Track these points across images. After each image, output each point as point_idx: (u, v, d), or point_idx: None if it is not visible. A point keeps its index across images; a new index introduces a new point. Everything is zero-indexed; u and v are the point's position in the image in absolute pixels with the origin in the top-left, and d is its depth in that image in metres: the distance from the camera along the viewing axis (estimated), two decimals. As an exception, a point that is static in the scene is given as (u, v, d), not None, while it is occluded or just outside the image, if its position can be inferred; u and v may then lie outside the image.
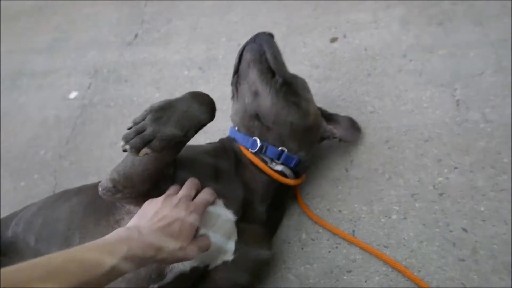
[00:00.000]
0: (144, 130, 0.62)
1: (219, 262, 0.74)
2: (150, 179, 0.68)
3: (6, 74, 1.64)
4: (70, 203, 0.79)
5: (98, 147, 1.22)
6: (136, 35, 1.54)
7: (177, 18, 1.53)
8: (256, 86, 0.82)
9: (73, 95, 1.42)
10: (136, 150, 0.61)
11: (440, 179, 0.87)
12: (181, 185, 0.70)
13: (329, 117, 0.95)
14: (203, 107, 0.68)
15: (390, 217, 0.85)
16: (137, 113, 1.25)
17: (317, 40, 1.24)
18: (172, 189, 0.69)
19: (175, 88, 1.29)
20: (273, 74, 0.82)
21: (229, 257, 0.74)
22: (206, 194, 0.69)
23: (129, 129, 0.63)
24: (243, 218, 0.77)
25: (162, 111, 0.64)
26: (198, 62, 1.34)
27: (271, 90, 0.82)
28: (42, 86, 1.51)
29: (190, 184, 0.69)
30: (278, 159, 0.81)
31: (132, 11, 1.65)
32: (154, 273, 0.69)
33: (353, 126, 0.97)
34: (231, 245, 0.74)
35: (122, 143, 0.62)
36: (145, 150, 0.61)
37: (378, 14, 1.23)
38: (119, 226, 0.72)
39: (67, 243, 0.73)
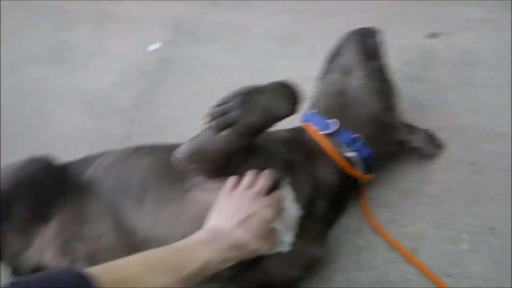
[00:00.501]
0: (230, 112, 0.63)
1: (274, 251, 0.75)
2: (222, 158, 0.69)
3: (94, 15, 1.70)
4: (145, 161, 0.83)
5: (172, 104, 1.26)
6: (222, -5, 1.51)
7: (266, -18, 1.47)
8: (350, 64, 0.82)
9: (153, 47, 1.45)
10: (219, 129, 0.63)
11: (526, 218, 0.79)
12: (252, 171, 0.71)
13: (407, 127, 0.90)
14: (288, 100, 0.67)
15: (459, 246, 0.79)
16: (213, 78, 1.27)
17: (414, 33, 1.13)
18: (247, 179, 0.69)
19: (252, 59, 1.26)
20: (371, 58, 0.82)
21: (285, 248, 0.74)
22: (283, 190, 0.70)
23: (215, 107, 0.64)
24: (305, 214, 0.76)
25: (250, 96, 0.64)
26: (280, 35, 1.29)
27: (365, 72, 0.81)
28: (127, 32, 1.56)
29: (266, 177, 0.70)
30: (351, 145, 0.78)
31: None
32: None
33: (433, 141, 0.91)
34: (289, 238, 0.75)
35: (206, 119, 0.64)
36: (226, 131, 0.63)
37: (492, 13, 1.08)
38: (188, 196, 0.75)
39: (140, 199, 0.78)
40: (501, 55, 1.01)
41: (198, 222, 0.69)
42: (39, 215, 0.87)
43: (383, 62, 0.84)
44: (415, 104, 0.99)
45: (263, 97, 0.64)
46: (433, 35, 1.11)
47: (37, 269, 0.88)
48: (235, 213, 0.64)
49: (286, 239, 0.74)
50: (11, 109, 1.46)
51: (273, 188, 0.70)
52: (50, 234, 0.87)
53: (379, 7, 1.22)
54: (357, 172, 0.80)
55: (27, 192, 0.84)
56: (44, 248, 0.86)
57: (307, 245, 0.76)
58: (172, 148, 0.86)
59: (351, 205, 0.90)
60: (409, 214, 0.86)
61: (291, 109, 0.67)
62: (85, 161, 0.95)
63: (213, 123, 0.63)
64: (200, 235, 0.61)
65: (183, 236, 0.72)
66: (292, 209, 0.73)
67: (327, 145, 0.78)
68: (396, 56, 1.09)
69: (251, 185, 0.69)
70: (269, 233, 0.67)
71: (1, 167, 0.89)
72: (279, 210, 0.69)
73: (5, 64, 1.63)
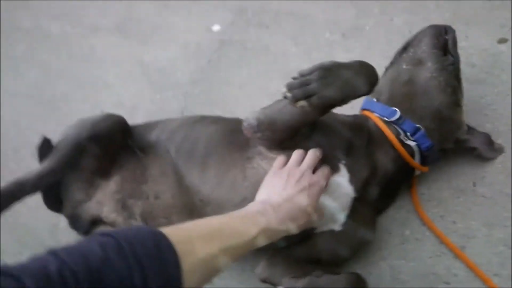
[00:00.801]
0: (308, 84, 0.66)
1: (326, 229, 0.78)
2: (290, 129, 0.73)
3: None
4: (209, 129, 0.88)
5: (228, 84, 1.30)
6: (287, -17, 1.53)
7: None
8: (423, 56, 0.84)
9: (216, 28, 1.50)
10: (295, 100, 0.66)
11: None
12: (314, 147, 0.74)
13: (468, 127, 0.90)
14: (366, 79, 0.70)
15: (510, 248, 0.80)
16: (271, 63, 1.31)
17: (482, 36, 1.11)
18: (294, 159, 0.73)
19: (312, 48, 1.28)
20: (444, 54, 0.84)
21: (337, 227, 0.77)
22: (325, 170, 0.73)
23: (294, 79, 0.67)
24: (358, 197, 0.79)
25: (330, 71, 0.67)
26: (343, 27, 1.30)
27: (437, 65, 0.82)
28: (190, 11, 1.61)
29: (312, 156, 0.73)
30: (413, 135, 0.80)
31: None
32: None
33: (491, 144, 0.90)
34: (341, 217, 0.77)
35: (284, 89, 0.68)
36: (302, 102, 0.67)
37: None
38: (250, 164, 0.79)
39: (203, 162, 0.82)
40: None
41: (257, 189, 0.74)
42: (104, 170, 0.93)
43: (456, 59, 0.85)
44: (477, 107, 0.99)
45: (343, 73, 0.67)
46: (502, 40, 1.09)
47: (94, 221, 0.94)
48: (283, 190, 0.67)
49: (339, 218, 0.77)
50: (75, 75, 1.56)
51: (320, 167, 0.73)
52: (111, 189, 0.93)
53: (446, 8, 1.21)
54: (415, 162, 0.81)
55: (100, 146, 0.90)
56: (104, 202, 0.93)
57: (358, 226, 0.79)
58: (233, 121, 0.91)
59: (401, 197, 0.91)
60: (460, 212, 0.86)
61: (369, 88, 0.70)
62: (150, 125, 1.01)
63: (290, 93, 0.66)
64: (254, 206, 0.65)
65: (242, 200, 0.77)
66: (346, 187, 0.76)
67: (389, 132, 0.80)
68: (461, 58, 1.09)
69: (298, 163, 0.72)
70: (318, 208, 0.70)
71: (64, 127, 0.94)
72: (328, 188, 0.71)
73: (73, 33, 1.73)
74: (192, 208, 0.84)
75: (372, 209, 0.83)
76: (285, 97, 0.68)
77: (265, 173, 0.75)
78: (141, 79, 1.45)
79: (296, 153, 0.74)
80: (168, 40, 1.54)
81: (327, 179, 0.73)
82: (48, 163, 0.88)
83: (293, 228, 0.65)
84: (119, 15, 1.75)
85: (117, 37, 1.65)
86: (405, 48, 0.91)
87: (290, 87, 0.67)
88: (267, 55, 1.33)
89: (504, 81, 1.02)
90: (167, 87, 1.38)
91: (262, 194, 0.70)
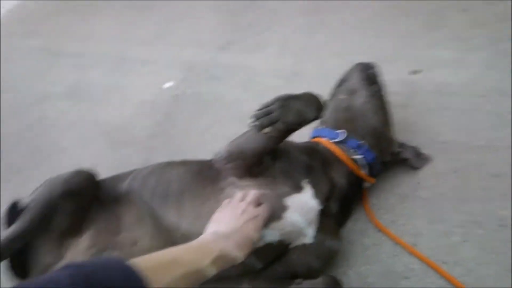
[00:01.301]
0: (271, 113, 0.78)
1: (299, 243, 0.86)
2: (258, 155, 0.84)
3: (111, 58, 1.88)
4: (179, 170, 0.95)
5: (186, 134, 1.39)
6: (230, 41, 1.72)
7: (269, 30, 1.70)
8: (355, 86, 1.01)
9: (168, 85, 1.62)
10: (262, 127, 0.78)
11: (503, 212, 0.93)
12: (279, 173, 0.84)
13: (399, 142, 1.07)
14: (316, 105, 0.84)
15: (451, 238, 0.93)
16: (225, 110, 1.43)
17: (399, 70, 1.34)
18: (238, 196, 0.81)
19: (261, 93, 1.43)
20: (371, 84, 1.01)
21: (309, 240, 0.85)
22: (267, 205, 0.80)
23: (258, 110, 0.78)
24: (322, 212, 0.88)
25: (287, 101, 0.81)
26: (285, 73, 1.48)
27: (368, 93, 1.00)
28: (142, 73, 1.73)
29: (254, 194, 0.80)
30: (358, 150, 0.94)
31: (228, 18, 1.85)
32: None
33: (420, 155, 1.07)
34: (311, 231, 0.86)
35: (251, 119, 0.79)
36: (268, 129, 0.78)
37: (462, 55, 1.31)
38: (223, 194, 0.86)
39: (178, 200, 0.88)
40: (469, 86, 1.21)
41: None
42: (75, 227, 0.93)
43: (382, 87, 1.04)
44: (404, 126, 1.17)
45: (297, 102, 0.81)
46: (415, 72, 1.32)
47: None
48: (230, 221, 0.74)
49: (309, 232, 0.86)
50: (31, 141, 1.56)
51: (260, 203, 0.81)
52: (83, 246, 0.93)
53: (370, 49, 1.44)
54: (364, 173, 0.94)
55: (72, 202, 0.91)
56: (77, 260, 0.93)
57: (326, 238, 0.88)
58: (200, 161, 0.99)
59: (356, 211, 1.03)
60: (406, 215, 0.99)
61: (318, 112, 0.83)
62: (119, 177, 1.05)
63: (257, 122, 0.78)
64: (207, 236, 0.70)
65: None
66: (310, 202, 0.85)
67: (338, 150, 0.93)
68: (386, 88, 1.30)
69: (242, 200, 0.79)
70: (249, 243, 0.73)
71: (16, 197, 0.93)
72: (266, 219, 0.79)
73: (25, 102, 1.76)
74: (175, 244, 0.88)
75: (335, 222, 0.93)
76: (253, 126, 0.79)
77: None
78: (98, 139, 1.49)
79: (240, 193, 0.82)
80: (122, 100, 1.62)
81: (269, 212, 0.80)
82: (19, 224, 0.87)
83: (241, 256, 0.69)
84: (69, 82, 1.82)
85: (68, 102, 1.71)
86: (340, 84, 1.08)
87: (256, 117, 0.79)
88: (221, 103, 1.46)
89: (422, 102, 1.22)
90: (127, 143, 1.43)
91: (212, 227, 0.75)
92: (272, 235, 0.83)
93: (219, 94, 1.50)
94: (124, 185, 1.00)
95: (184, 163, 0.99)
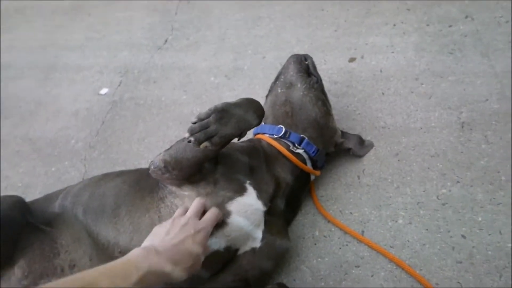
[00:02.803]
0: (207, 127, 0.73)
1: (247, 248, 0.83)
2: (196, 165, 0.79)
3: (40, 67, 1.74)
4: (115, 182, 0.89)
5: (126, 141, 1.32)
6: (166, 41, 1.65)
7: (206, 28, 1.64)
8: (292, 79, 0.98)
9: (104, 91, 1.52)
10: (199, 143, 0.72)
11: (444, 191, 0.96)
12: (221, 177, 0.80)
13: (341, 132, 1.07)
14: (256, 113, 0.79)
15: (396, 221, 0.94)
16: (165, 113, 1.36)
17: (337, 59, 1.34)
18: (179, 211, 0.75)
19: (201, 93, 1.39)
20: (308, 75, 0.99)
21: (257, 244, 0.83)
22: (213, 213, 0.75)
23: (193, 123, 0.73)
24: (268, 211, 0.86)
25: (224, 112, 0.75)
26: (225, 70, 1.44)
27: (305, 85, 0.97)
28: (75, 80, 1.61)
29: (197, 204, 0.76)
30: (300, 144, 0.92)
31: (163, 18, 1.77)
32: None
33: (362, 143, 1.08)
34: (259, 234, 0.83)
35: (187, 134, 0.74)
36: (205, 143, 0.73)
37: (394, 40, 1.34)
38: (163, 203, 0.81)
39: (115, 215, 0.82)
40: (405, 69, 1.24)
41: None
42: (5, 258, 0.84)
43: (319, 78, 1.02)
44: (346, 114, 1.17)
45: (235, 111, 0.75)
46: (352, 60, 1.33)
47: None
48: (167, 234, 0.68)
49: (257, 235, 0.83)
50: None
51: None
52: (16, 277, 0.84)
53: (308, 39, 1.44)
54: (307, 167, 0.93)
55: (0, 232, 0.81)
56: None
57: (275, 238, 0.85)
58: (137, 171, 0.93)
59: (304, 204, 1.01)
60: (353, 203, 0.99)
61: (259, 120, 0.79)
62: (49, 197, 0.96)
63: (193, 137, 0.72)
64: (136, 251, 0.65)
65: None
66: (255, 204, 0.83)
67: (279, 146, 0.90)
68: (324, 78, 1.30)
69: (183, 214, 0.74)
70: (188, 258, 0.68)
71: None
72: (210, 232, 0.74)
73: None
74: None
75: (283, 220, 0.91)
76: (189, 141, 0.73)
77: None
78: (30, 156, 1.37)
79: (180, 209, 0.76)
80: (55, 111, 1.50)
81: (216, 220, 0.75)
82: None
83: (178, 271, 0.64)
84: (-6, 98, 1.66)
85: (-6, 120, 1.56)
86: (277, 78, 1.05)
87: (191, 132, 0.73)
88: (160, 106, 1.39)
89: (361, 90, 1.23)
90: (62, 157, 1.33)
91: (147, 241, 0.70)
92: (218, 242, 0.79)
93: (158, 97, 1.43)
94: (56, 205, 0.92)
95: (120, 174, 0.93)
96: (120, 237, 0.81)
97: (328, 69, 1.32)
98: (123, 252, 0.80)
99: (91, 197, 0.88)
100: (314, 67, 1.04)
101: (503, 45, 1.22)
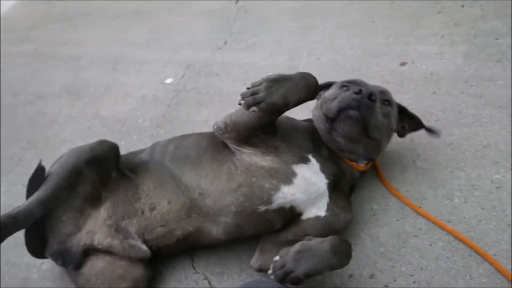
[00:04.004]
0: (257, 93, 0.81)
1: (312, 215, 0.90)
2: (252, 129, 0.88)
3: (108, 59, 1.91)
4: (195, 137, 1.00)
5: (191, 122, 1.43)
6: (225, 42, 1.80)
7: (263, 33, 1.79)
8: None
9: (168, 81, 1.66)
10: (248, 106, 0.81)
11: (497, 176, 1.03)
12: (282, 144, 0.90)
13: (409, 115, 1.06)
14: (306, 88, 0.84)
15: (452, 200, 1.00)
16: (226, 101, 1.48)
17: (388, 63, 1.45)
18: None
19: (260, 85, 1.51)
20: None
21: (322, 213, 0.90)
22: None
23: (247, 89, 0.82)
24: (334, 187, 0.94)
25: (275, 82, 0.82)
26: (281, 69, 1.56)
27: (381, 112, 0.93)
28: (140, 71, 1.76)
29: None
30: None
31: (222, 23, 1.94)
32: (265, 195, 0.87)
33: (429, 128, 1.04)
34: (323, 203, 0.91)
35: (239, 98, 0.82)
36: (253, 108, 0.81)
37: (443, 49, 1.44)
38: (235, 157, 0.92)
39: (198, 163, 0.93)
40: (454, 74, 1.34)
41: (248, 175, 0.88)
42: (95, 197, 0.95)
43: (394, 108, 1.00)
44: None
45: (286, 83, 0.82)
46: (403, 64, 1.43)
47: (86, 251, 0.94)
48: None
49: (322, 204, 0.90)
50: (31, 134, 1.55)
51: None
52: (102, 217, 0.95)
53: (360, 46, 1.56)
54: (362, 167, 0.99)
55: (96, 170, 0.94)
56: (95, 230, 0.94)
57: (339, 211, 0.92)
58: (210, 132, 1.04)
59: (362, 179, 1.09)
60: (409, 183, 1.06)
61: (308, 95, 0.84)
62: (137, 151, 1.09)
63: (243, 101, 0.81)
64: None
65: (238, 186, 0.87)
66: (320, 176, 0.90)
67: (353, 164, 0.97)
68: (377, 78, 1.40)
69: None
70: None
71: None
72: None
73: (17, 103, 1.75)
74: (191, 205, 0.90)
75: (347, 198, 0.98)
76: (239, 104, 0.82)
77: (249, 163, 0.89)
78: (101, 131, 1.50)
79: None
80: (123, 95, 1.64)
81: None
82: (43, 191, 0.88)
83: None
84: (65, 81, 1.82)
85: (67, 99, 1.71)
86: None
87: (243, 96, 0.82)
88: (221, 96, 1.51)
89: (412, 89, 1.33)
90: (131, 133, 1.45)
91: None
92: (283, 198, 0.87)
93: (219, 88, 1.55)
94: (143, 156, 1.03)
95: (199, 133, 1.04)
96: (202, 181, 0.90)
97: (380, 71, 1.43)
98: (203, 194, 0.89)
99: (176, 148, 0.99)
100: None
101: (549, 56, 1.30)
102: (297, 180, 0.88)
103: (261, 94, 0.81)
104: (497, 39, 1.42)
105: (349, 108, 0.86)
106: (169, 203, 0.92)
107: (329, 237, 0.81)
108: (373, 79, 1.39)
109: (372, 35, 1.60)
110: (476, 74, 1.32)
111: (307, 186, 0.89)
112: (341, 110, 0.87)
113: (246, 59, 1.67)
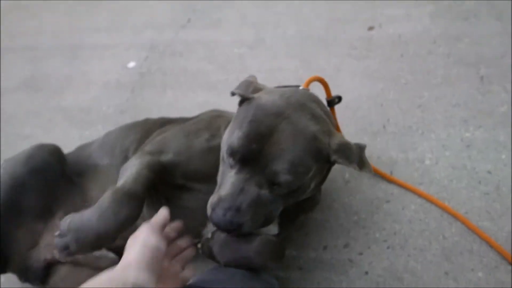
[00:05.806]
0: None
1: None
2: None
3: (67, 48, 1.81)
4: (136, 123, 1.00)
5: (156, 105, 1.38)
6: (189, 20, 1.72)
7: (227, 8, 1.72)
8: None
9: (131, 64, 1.59)
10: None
11: (467, 134, 1.01)
12: None
13: None
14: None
15: (423, 162, 0.99)
16: (192, 80, 1.42)
17: (355, 29, 1.41)
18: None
19: (226, 62, 1.45)
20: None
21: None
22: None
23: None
24: None
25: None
26: (247, 42, 1.51)
27: None
28: (102, 57, 1.68)
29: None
30: None
31: (184, 1, 1.85)
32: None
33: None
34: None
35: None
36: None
37: (410, 10, 1.41)
38: None
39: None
40: (422, 34, 1.31)
41: None
42: (46, 208, 0.86)
43: None
44: (366, 75, 1.24)
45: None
46: (370, 28, 1.40)
47: (48, 265, 0.85)
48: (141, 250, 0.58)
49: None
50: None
51: None
52: (58, 227, 0.88)
53: (327, 13, 1.51)
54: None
55: (39, 179, 0.83)
56: (54, 242, 0.87)
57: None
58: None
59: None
60: (380, 148, 1.05)
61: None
62: (81, 147, 1.01)
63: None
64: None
65: None
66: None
67: None
68: (345, 45, 1.37)
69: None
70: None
71: None
72: None
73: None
74: None
75: None
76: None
77: None
78: (63, 123, 1.43)
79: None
80: (86, 84, 1.57)
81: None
82: None
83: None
84: (23, 74, 1.73)
85: (26, 93, 1.62)
86: None
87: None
88: (186, 75, 1.45)
89: (380, 53, 1.30)
90: (95, 122, 1.39)
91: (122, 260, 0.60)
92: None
93: (184, 68, 1.49)
94: (92, 151, 0.96)
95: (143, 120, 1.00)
96: None
97: (348, 38, 1.39)
98: None
99: (116, 139, 0.94)
100: None
101: (515, 10, 1.28)
102: None
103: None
104: (463, -4, 1.39)
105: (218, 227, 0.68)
106: None
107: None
108: (340, 47, 1.36)
109: (339, 2, 1.55)
110: (443, 33, 1.29)
111: None
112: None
113: (211, 36, 1.60)
